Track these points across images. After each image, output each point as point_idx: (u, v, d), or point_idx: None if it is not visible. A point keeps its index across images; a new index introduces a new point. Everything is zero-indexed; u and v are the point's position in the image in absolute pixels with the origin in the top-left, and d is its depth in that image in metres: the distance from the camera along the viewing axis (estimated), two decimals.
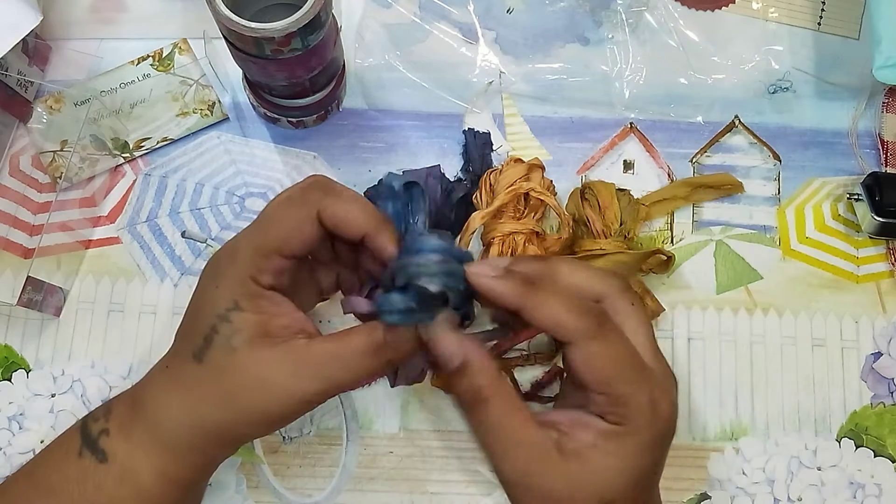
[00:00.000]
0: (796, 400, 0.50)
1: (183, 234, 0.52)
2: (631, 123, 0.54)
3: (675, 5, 0.57)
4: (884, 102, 0.55)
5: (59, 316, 0.50)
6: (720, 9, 0.57)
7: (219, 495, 0.47)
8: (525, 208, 0.49)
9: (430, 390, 0.49)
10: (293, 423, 0.48)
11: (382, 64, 0.55)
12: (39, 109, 0.53)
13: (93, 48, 0.55)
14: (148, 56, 0.54)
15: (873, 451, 0.49)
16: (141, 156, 0.53)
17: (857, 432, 0.50)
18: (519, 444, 0.35)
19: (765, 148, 0.54)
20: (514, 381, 0.49)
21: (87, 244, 0.51)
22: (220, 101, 0.54)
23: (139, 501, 0.37)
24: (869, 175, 0.51)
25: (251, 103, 0.53)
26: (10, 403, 0.49)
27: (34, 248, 0.47)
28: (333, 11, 0.46)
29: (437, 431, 0.49)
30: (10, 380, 0.49)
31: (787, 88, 0.56)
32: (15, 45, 0.48)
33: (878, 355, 0.51)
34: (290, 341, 0.36)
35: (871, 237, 0.52)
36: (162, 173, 0.53)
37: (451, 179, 0.52)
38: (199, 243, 0.52)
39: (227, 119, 0.54)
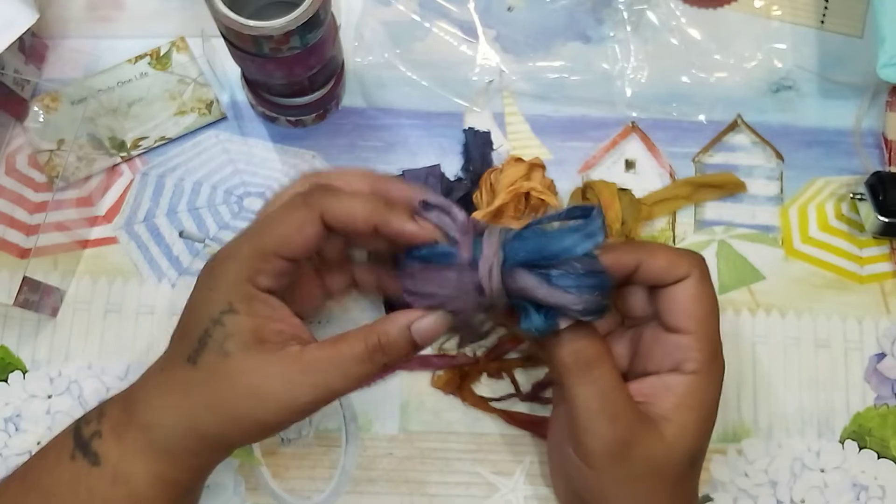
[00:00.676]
0: (799, 401, 0.50)
1: (181, 234, 0.51)
2: (633, 122, 0.54)
3: (677, 3, 0.56)
4: (888, 101, 0.54)
5: (55, 316, 0.50)
6: (722, 7, 0.57)
7: (217, 497, 0.47)
8: (526, 208, 0.49)
9: (430, 392, 0.49)
10: (292, 425, 0.48)
11: (382, 62, 0.55)
12: (36, 108, 0.53)
13: (90, 46, 0.54)
14: (145, 54, 0.54)
15: (877, 452, 0.49)
16: (138, 155, 0.53)
17: (860, 434, 0.49)
18: (626, 409, 0.37)
19: (767, 147, 0.54)
20: (514, 381, 0.49)
21: (84, 244, 0.51)
22: (218, 100, 0.53)
23: None
24: (872, 174, 0.51)
25: (249, 102, 0.53)
26: (6, 405, 0.48)
27: (31, 248, 0.47)
28: (332, 9, 0.45)
29: (437, 433, 0.49)
30: (6, 381, 0.49)
31: (789, 87, 0.55)
32: (11, 44, 0.48)
33: (881, 356, 0.51)
34: (284, 349, 0.35)
35: (874, 237, 0.52)
36: (159, 172, 0.53)
37: (451, 179, 0.52)
38: (196, 243, 0.51)
39: (225, 118, 0.53)
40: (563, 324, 0.36)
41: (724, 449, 0.49)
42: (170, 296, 0.50)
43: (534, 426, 0.48)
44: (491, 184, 0.50)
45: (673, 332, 0.38)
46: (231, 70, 0.54)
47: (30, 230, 0.50)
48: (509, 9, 0.56)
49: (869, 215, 0.50)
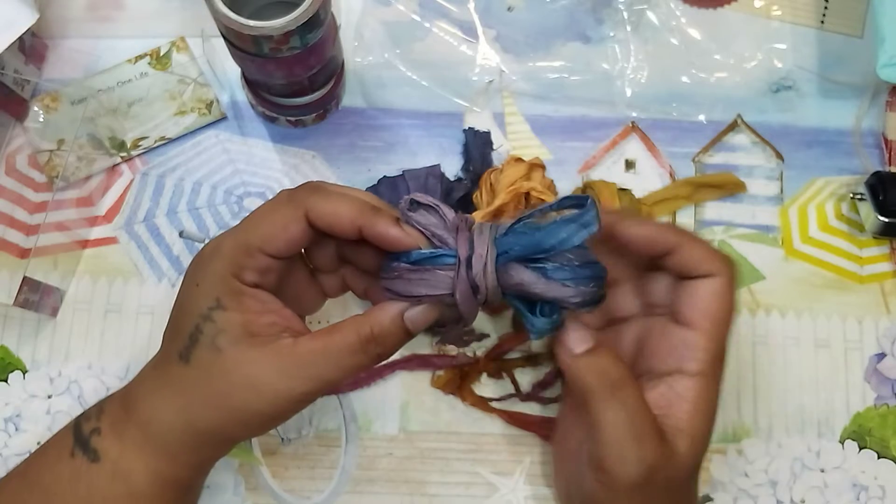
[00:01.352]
0: (799, 401, 0.50)
1: (181, 234, 0.51)
2: (632, 122, 0.54)
3: (677, 3, 0.56)
4: (888, 101, 0.54)
5: (55, 316, 0.50)
6: (722, 7, 0.57)
7: (217, 497, 0.47)
8: (526, 208, 0.49)
9: (430, 392, 0.49)
10: (291, 425, 0.48)
11: (382, 62, 0.55)
12: (36, 108, 0.53)
13: (90, 46, 0.54)
14: (145, 54, 0.54)
15: (877, 452, 0.49)
16: (138, 155, 0.53)
17: (860, 434, 0.49)
18: (651, 432, 0.36)
19: (767, 147, 0.54)
20: (514, 381, 0.49)
21: (84, 244, 0.51)
22: (218, 100, 0.53)
23: (132, 501, 0.36)
24: (872, 174, 0.51)
25: (249, 102, 0.53)
26: (6, 405, 0.48)
27: (31, 248, 0.47)
28: (332, 9, 0.45)
29: (437, 433, 0.48)
30: (6, 381, 0.49)
31: (789, 87, 0.55)
32: (11, 44, 0.48)
33: (881, 356, 0.50)
34: (277, 341, 0.35)
35: (874, 237, 0.52)
36: (159, 172, 0.53)
37: (451, 179, 0.52)
38: (196, 243, 0.51)
39: (225, 118, 0.53)
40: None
41: (724, 449, 0.49)
42: (170, 296, 0.50)
43: (534, 426, 0.48)
44: (491, 184, 0.50)
45: (684, 327, 0.38)
46: (231, 70, 0.54)
47: (30, 230, 0.50)
48: (509, 9, 0.56)
49: (869, 215, 0.50)
